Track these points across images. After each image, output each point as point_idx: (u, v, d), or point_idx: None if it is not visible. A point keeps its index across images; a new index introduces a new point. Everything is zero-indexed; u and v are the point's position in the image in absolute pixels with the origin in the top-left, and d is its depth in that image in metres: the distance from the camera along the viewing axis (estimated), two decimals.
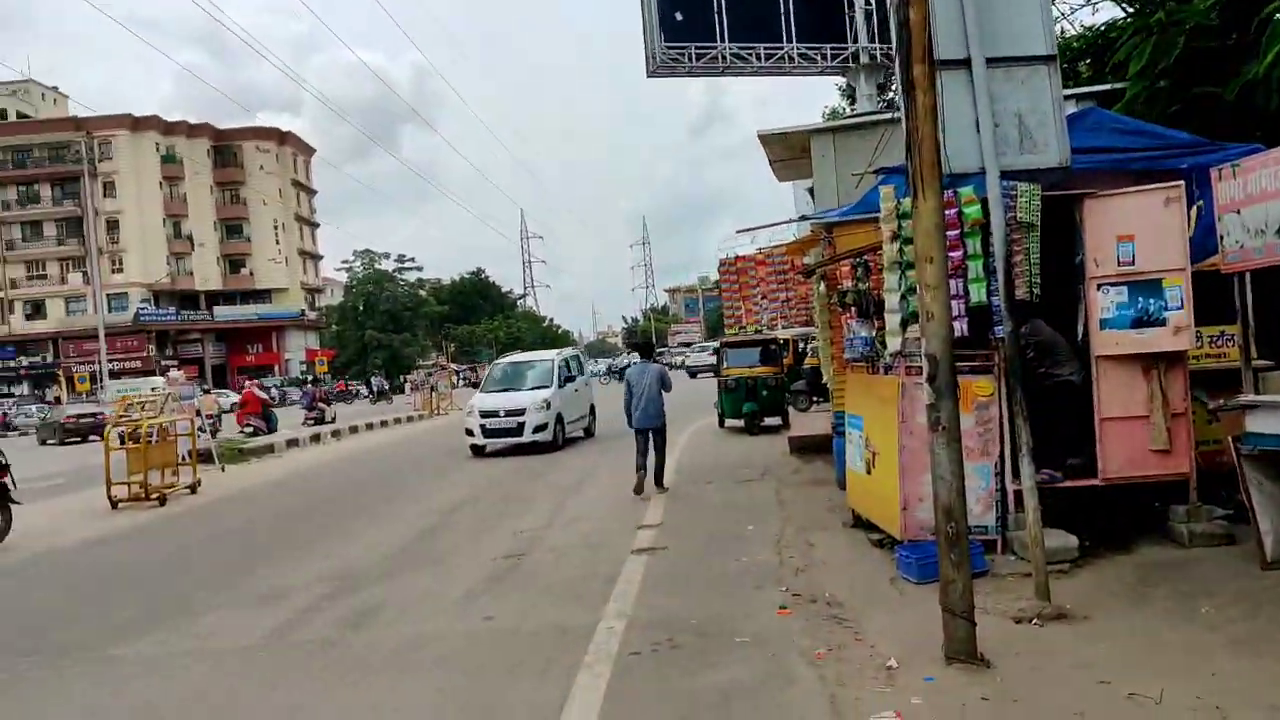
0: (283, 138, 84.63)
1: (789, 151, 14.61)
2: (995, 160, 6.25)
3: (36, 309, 75.03)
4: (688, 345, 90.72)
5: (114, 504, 14.88)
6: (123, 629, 7.48)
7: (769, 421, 19.33)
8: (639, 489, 11.93)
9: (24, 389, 70.84)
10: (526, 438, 18.21)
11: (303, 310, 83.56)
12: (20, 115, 78.20)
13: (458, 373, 53.06)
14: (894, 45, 5.87)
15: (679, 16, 16.16)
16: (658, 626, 6.33)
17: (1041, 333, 7.55)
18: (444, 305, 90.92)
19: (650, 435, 12.21)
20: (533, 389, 19.14)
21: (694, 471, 13.79)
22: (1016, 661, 5.15)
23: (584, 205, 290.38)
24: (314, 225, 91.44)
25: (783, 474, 13.03)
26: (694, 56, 16.43)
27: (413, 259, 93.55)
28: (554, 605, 7.20)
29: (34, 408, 50.55)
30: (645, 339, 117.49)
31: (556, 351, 21.81)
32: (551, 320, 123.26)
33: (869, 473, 8.35)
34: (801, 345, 24.23)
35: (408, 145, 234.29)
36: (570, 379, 20.16)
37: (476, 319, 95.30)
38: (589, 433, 20.91)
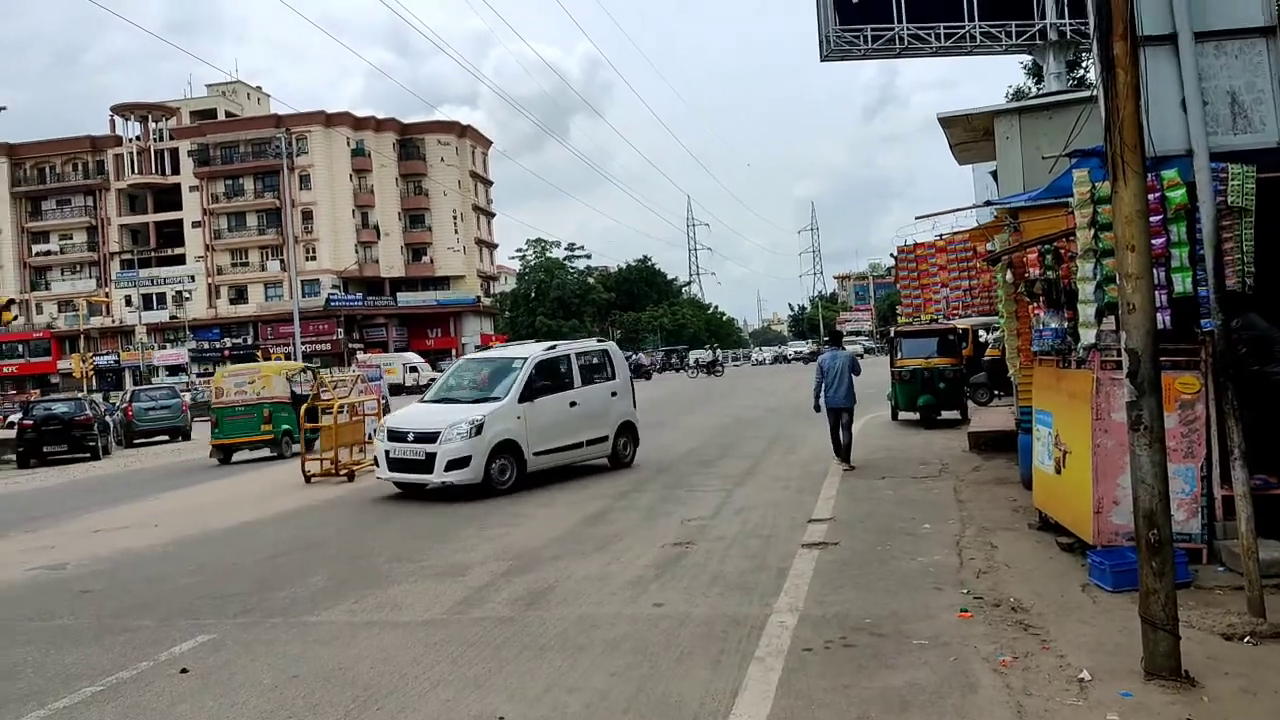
0: (462, 131, 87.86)
1: (971, 134, 14.02)
2: (1205, 141, 5.86)
3: (239, 294, 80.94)
4: (857, 334, 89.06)
5: (308, 478, 15.86)
6: (317, 596, 7.95)
7: (946, 415, 18.75)
8: (839, 457, 13.52)
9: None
10: (436, 476, 12.67)
11: (478, 297, 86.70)
12: (228, 114, 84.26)
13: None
14: (1091, 22, 5.52)
15: None
16: (831, 623, 6.23)
17: (1256, 326, 6.95)
18: (611, 292, 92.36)
19: (841, 414, 13.45)
20: (474, 402, 13.63)
21: (866, 466, 13.48)
22: (1226, 682, 4.79)
23: (751, 191, 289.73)
24: (490, 215, 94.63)
25: (961, 471, 12.58)
26: (869, 38, 15.96)
27: (582, 247, 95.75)
28: (723, 596, 7.18)
29: None
30: (812, 325, 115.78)
31: (543, 347, 15.29)
32: (716, 307, 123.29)
33: (1058, 472, 7.93)
34: (982, 336, 23.32)
35: (578, 135, 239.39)
36: (553, 388, 14.02)
37: (642, 306, 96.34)
38: (618, 460, 15.02)
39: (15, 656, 6.72)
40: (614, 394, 15.17)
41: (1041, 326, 8.59)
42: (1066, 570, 7.20)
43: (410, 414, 14.24)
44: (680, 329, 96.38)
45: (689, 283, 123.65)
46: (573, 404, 14.23)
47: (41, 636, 7.24)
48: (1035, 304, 8.86)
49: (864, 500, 10.86)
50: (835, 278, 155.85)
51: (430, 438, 12.83)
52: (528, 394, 13.55)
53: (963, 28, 15.80)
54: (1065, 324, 8.04)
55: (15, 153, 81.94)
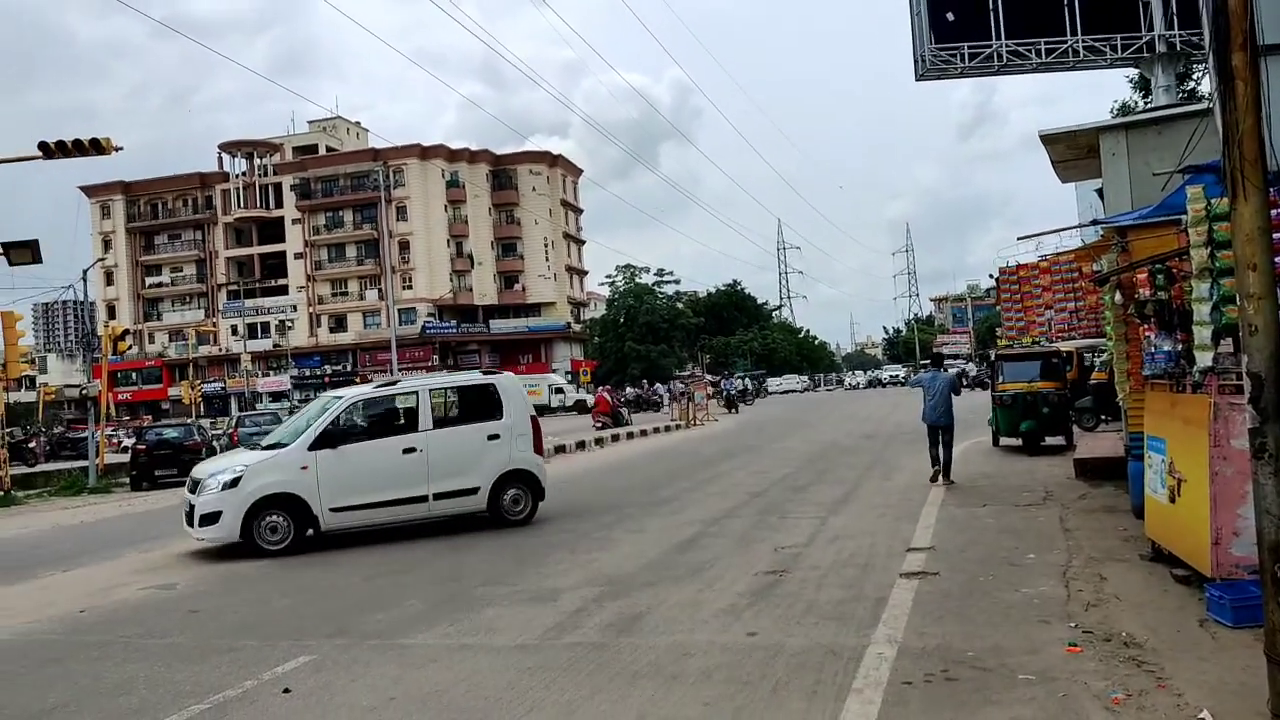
0: (553, 161, 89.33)
1: (1074, 151, 13.61)
2: None
3: (339, 323, 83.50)
4: (955, 357, 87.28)
5: None
6: (413, 619, 8.05)
7: (1051, 441, 18.21)
8: (934, 477, 13.96)
9: None
10: (195, 532, 11.76)
11: (568, 323, 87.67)
12: (329, 149, 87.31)
13: (714, 383, 53.59)
14: (1205, 32, 5.31)
15: (950, 17, 15.51)
16: (931, 656, 6.03)
17: None
18: (700, 317, 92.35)
19: (940, 432, 13.99)
20: (270, 448, 12.44)
21: (967, 493, 13.12)
22: None
23: (843, 213, 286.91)
24: (580, 242, 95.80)
25: (1067, 499, 12.13)
26: (966, 57, 15.70)
27: (671, 272, 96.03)
28: (819, 625, 7.03)
29: None
30: (908, 348, 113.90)
31: (374, 385, 13.67)
32: (807, 331, 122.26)
33: (1172, 501, 7.58)
34: (1088, 359, 22.58)
35: (668, 161, 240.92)
36: (377, 433, 12.45)
37: (731, 330, 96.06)
38: (502, 516, 12.71)
39: (129, 672, 6.97)
40: (493, 436, 12.73)
41: (1153, 349, 8.26)
42: (1182, 604, 6.85)
43: (215, 460, 13.71)
44: (771, 353, 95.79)
45: (779, 306, 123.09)
46: (409, 450, 12.26)
47: (154, 654, 7.50)
48: (1146, 326, 8.53)
49: (965, 529, 10.56)
50: (931, 299, 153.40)
51: (195, 487, 11.88)
52: (329, 440, 11.91)
53: (1064, 42, 15.44)
54: (1179, 346, 7.72)
55: (130, 190, 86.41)
